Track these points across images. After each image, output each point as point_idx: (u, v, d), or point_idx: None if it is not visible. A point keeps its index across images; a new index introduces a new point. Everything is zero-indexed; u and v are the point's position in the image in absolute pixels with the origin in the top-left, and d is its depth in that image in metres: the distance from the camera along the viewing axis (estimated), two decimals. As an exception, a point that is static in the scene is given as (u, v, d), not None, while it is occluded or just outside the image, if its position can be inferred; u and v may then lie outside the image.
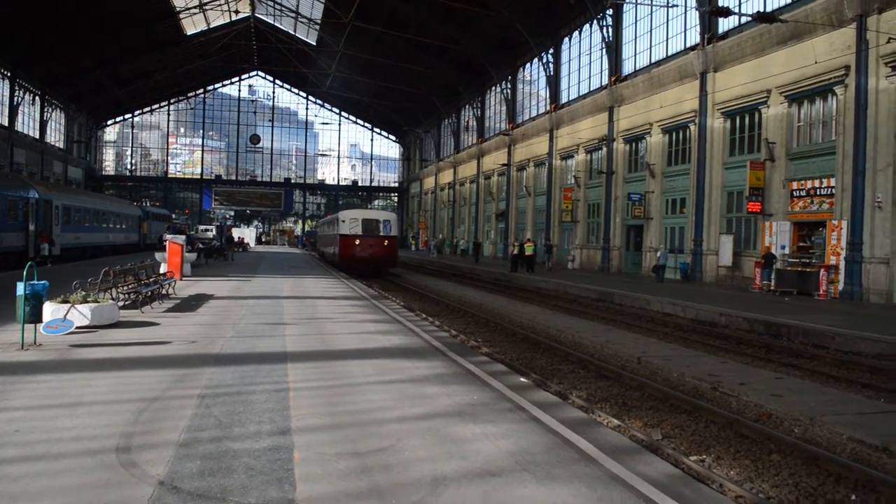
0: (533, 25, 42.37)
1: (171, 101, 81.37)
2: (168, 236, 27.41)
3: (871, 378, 11.24)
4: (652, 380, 10.72)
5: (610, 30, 36.13)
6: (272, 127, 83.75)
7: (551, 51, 43.70)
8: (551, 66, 43.78)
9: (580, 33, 40.94)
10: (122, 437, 5.44)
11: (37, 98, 57.18)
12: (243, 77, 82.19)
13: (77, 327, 10.52)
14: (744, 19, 26.10)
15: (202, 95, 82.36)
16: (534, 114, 48.44)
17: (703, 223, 28.69)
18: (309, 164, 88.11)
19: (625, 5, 35.25)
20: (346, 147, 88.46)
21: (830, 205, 22.75)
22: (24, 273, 9.14)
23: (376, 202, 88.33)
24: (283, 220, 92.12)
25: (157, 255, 21.64)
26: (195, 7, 55.02)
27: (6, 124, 51.35)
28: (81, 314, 10.93)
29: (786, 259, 24.14)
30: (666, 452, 6.97)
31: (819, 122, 23.95)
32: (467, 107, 61.83)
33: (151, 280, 16.23)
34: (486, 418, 6.46)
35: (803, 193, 23.99)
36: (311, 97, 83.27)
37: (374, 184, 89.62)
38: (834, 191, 22.58)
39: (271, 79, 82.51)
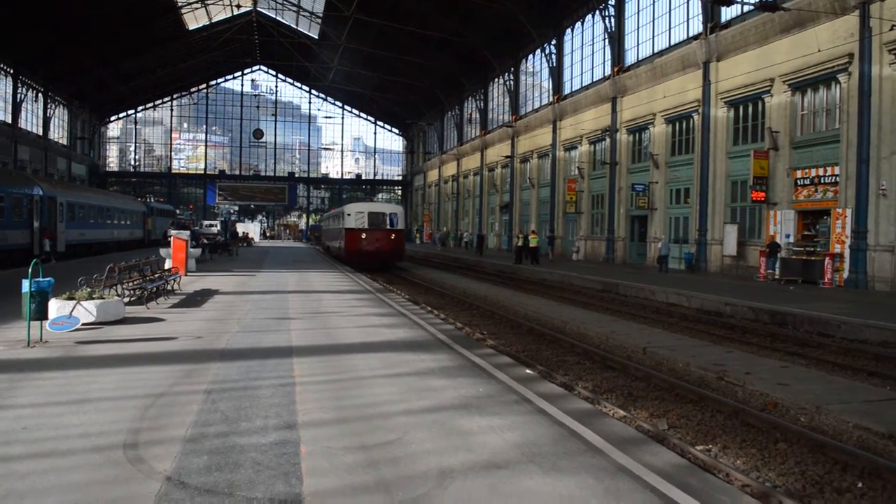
0: (535, 16, 42.24)
1: (174, 96, 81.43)
2: (172, 232, 27.44)
3: (876, 366, 11.22)
4: (657, 370, 10.72)
5: (612, 20, 35.99)
6: (275, 121, 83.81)
7: (554, 42, 43.55)
8: (554, 57, 43.65)
9: (583, 24, 40.79)
10: (128, 434, 5.46)
11: (40, 95, 57.26)
12: (246, 72, 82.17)
13: (83, 324, 10.55)
14: (746, 8, 25.99)
15: (205, 90, 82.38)
16: (537, 105, 48.31)
17: (708, 213, 28.63)
18: (312, 158, 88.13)
19: (627, -5, 35.14)
20: (350, 141, 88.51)
21: (835, 193, 22.68)
22: (30, 270, 9.16)
23: (380, 195, 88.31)
24: (287, 215, 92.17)
25: (162, 251, 21.62)
26: (197, 2, 54.94)
27: (10, 122, 51.46)
28: (87, 311, 10.96)
29: (790, 248, 24.09)
30: (672, 442, 6.97)
31: (823, 110, 23.85)
32: (470, 99, 61.73)
33: (156, 276, 16.25)
34: (493, 410, 6.46)
35: (807, 182, 23.91)
36: (313, 91, 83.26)
37: (378, 177, 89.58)
38: (838, 179, 22.50)
39: (274, 73, 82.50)
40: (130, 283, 14.61)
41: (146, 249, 38.34)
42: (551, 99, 44.42)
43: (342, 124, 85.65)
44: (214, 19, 61.19)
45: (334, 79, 66.47)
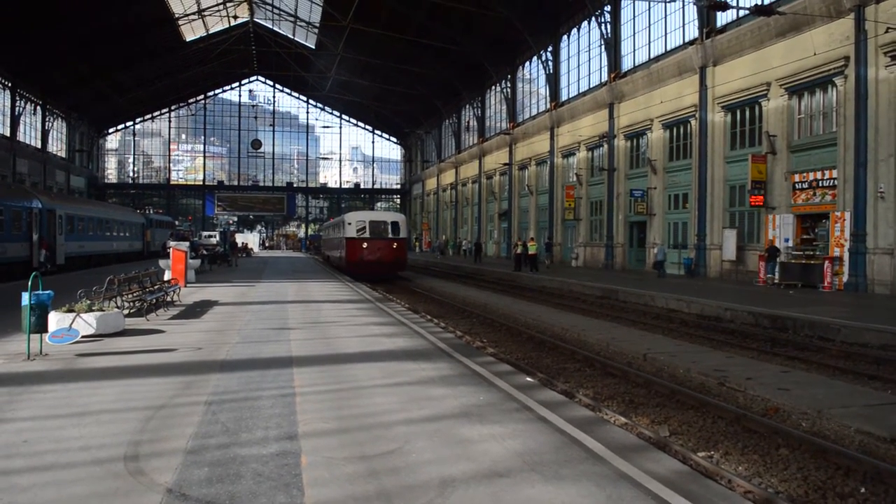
0: (532, 24, 42.39)
1: (172, 107, 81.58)
2: (172, 243, 27.42)
3: (877, 370, 11.21)
4: (658, 376, 10.71)
5: (608, 26, 36.11)
6: (273, 131, 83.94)
7: (550, 49, 43.69)
8: (551, 63, 43.77)
9: (579, 31, 40.93)
10: (129, 446, 5.45)
11: (38, 108, 57.38)
12: (243, 82, 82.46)
13: (83, 336, 10.54)
14: (742, 13, 26.13)
15: (203, 101, 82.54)
16: (534, 112, 48.42)
17: (706, 218, 28.66)
18: (311, 167, 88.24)
19: (623, 1, 35.25)
20: (348, 150, 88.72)
21: (833, 196, 22.71)
22: (30, 283, 9.16)
23: (379, 204, 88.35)
24: (286, 225, 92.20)
25: (161, 263, 21.60)
26: (194, 13, 55.11)
27: (8, 135, 51.54)
28: (87, 323, 10.95)
29: (789, 252, 24.10)
30: (674, 449, 6.96)
31: (820, 113, 23.91)
32: (467, 107, 61.85)
33: (156, 287, 16.24)
34: (493, 419, 6.45)
35: (805, 186, 23.94)
36: (311, 101, 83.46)
37: (377, 186, 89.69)
38: (836, 182, 22.53)
39: (271, 83, 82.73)
40: (130, 295, 14.60)
41: (145, 261, 38.33)
42: (548, 106, 44.52)
43: (340, 134, 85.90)
44: (211, 30, 61.33)
45: (332, 88, 66.62)
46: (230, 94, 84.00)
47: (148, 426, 6.06)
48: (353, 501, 4.39)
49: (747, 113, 27.03)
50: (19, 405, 6.80)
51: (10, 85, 51.63)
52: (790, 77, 24.20)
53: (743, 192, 26.72)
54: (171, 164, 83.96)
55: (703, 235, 28.89)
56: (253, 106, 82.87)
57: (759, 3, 25.23)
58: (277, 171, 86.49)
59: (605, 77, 37.21)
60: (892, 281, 20.63)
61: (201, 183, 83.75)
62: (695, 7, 29.30)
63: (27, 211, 27.52)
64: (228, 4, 57.18)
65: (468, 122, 63.11)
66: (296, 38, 64.21)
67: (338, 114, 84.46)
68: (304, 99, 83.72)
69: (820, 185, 23.35)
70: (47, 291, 9.62)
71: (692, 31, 30.09)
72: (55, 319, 10.53)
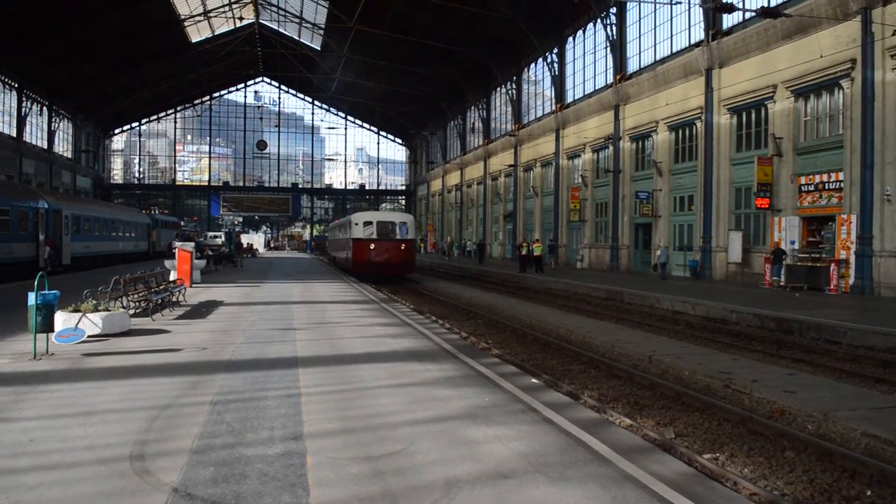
0: (537, 26, 42.35)
1: (178, 108, 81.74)
2: (177, 244, 27.52)
3: (884, 372, 11.17)
4: (663, 378, 10.69)
5: (614, 28, 36.06)
6: (279, 132, 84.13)
7: (556, 50, 43.64)
8: (556, 65, 43.71)
9: (584, 32, 40.88)
10: (135, 445, 5.46)
11: (44, 109, 57.55)
12: (249, 83, 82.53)
13: (89, 336, 10.58)
14: (748, 15, 26.08)
15: (208, 102, 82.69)
16: (539, 114, 48.38)
17: (712, 220, 28.59)
18: (316, 168, 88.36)
19: (629, 3, 35.16)
20: (353, 151, 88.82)
21: (839, 199, 22.64)
22: (36, 283, 9.19)
23: (384, 205, 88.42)
24: (291, 226, 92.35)
25: (167, 263, 21.66)
26: (200, 15, 55.23)
27: (15, 135, 51.72)
28: (93, 323, 10.99)
29: (795, 254, 24.03)
30: (679, 451, 6.95)
31: (826, 116, 23.84)
32: (473, 108, 61.84)
33: (161, 288, 16.28)
34: (498, 420, 6.45)
35: (812, 188, 23.87)
36: (316, 102, 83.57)
37: (382, 187, 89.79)
38: (842, 185, 22.46)
39: (277, 84, 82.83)
40: (136, 295, 14.65)
41: (151, 261, 38.49)
42: (554, 107, 44.47)
43: (345, 135, 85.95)
44: (217, 32, 61.47)
45: (337, 89, 66.66)
46: (236, 96, 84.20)
47: (153, 426, 6.08)
48: (359, 502, 4.40)
49: (753, 115, 26.97)
50: (25, 404, 6.83)
51: (16, 86, 51.81)
52: (796, 79, 24.13)
53: (749, 194, 26.64)
54: (177, 165, 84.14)
55: (708, 237, 28.82)
56: (258, 107, 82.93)
57: (766, 5, 25.21)
58: (283, 171, 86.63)
59: (610, 79, 37.16)
60: (898, 284, 20.56)
61: (207, 183, 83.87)
62: (701, 9, 29.24)
63: (33, 211, 27.62)
64: (234, 6, 57.27)
65: (473, 124, 63.11)
66: (301, 40, 64.26)
67: (343, 115, 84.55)
68: (310, 100, 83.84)
69: (826, 187, 23.28)
70: (53, 291, 9.66)
71: (698, 34, 30.03)
72: (61, 319, 10.57)
